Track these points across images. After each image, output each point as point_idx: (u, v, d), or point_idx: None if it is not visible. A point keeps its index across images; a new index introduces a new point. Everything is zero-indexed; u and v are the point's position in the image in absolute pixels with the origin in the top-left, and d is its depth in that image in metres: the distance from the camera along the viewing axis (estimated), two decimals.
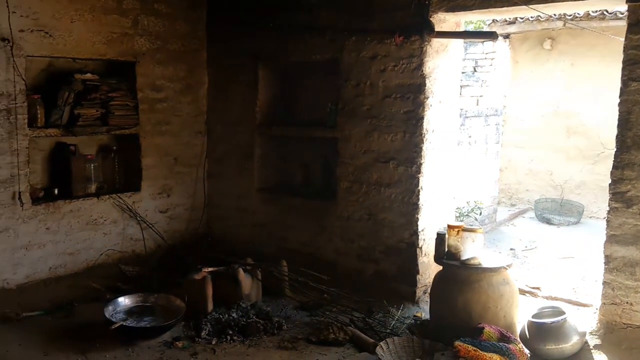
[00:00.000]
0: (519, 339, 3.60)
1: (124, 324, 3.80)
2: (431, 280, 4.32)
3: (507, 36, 8.94)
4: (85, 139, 5.08)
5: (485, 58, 9.03)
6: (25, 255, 4.59)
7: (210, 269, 4.43)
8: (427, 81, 4.31)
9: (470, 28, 9.67)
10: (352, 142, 4.73)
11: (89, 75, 4.93)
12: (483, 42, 8.72)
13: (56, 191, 4.91)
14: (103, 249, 5.10)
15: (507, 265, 3.78)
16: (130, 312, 4.09)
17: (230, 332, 3.90)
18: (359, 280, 4.72)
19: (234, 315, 4.11)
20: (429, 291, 4.46)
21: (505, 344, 3.40)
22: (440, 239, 3.93)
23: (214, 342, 3.82)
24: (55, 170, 5.01)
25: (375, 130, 4.59)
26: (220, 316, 4.09)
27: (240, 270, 4.36)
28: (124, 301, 4.15)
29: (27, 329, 3.96)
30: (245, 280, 4.36)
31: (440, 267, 3.95)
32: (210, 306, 4.16)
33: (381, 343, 3.59)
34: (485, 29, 9.51)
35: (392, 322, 4.12)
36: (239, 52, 5.47)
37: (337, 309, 4.28)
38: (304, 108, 5.49)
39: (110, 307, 3.99)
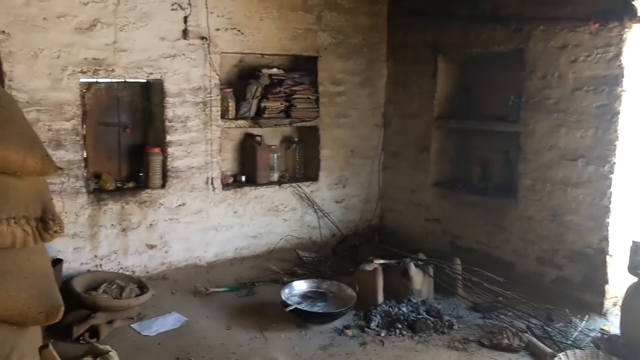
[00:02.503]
0: None
1: (299, 307, 3.97)
2: (622, 292, 3.92)
3: None
4: (270, 130, 5.38)
5: None
6: (215, 236, 5.00)
7: (381, 261, 4.46)
8: (625, 72, 3.89)
9: None
10: (536, 138, 4.44)
11: (275, 70, 5.20)
12: None
13: (243, 178, 5.28)
14: (282, 234, 5.38)
15: None
16: (304, 296, 4.27)
17: (399, 326, 3.89)
18: (538, 285, 4.43)
19: (404, 309, 4.09)
20: (619, 303, 4.08)
21: None
22: (636, 247, 3.54)
23: (382, 334, 3.84)
24: (243, 158, 5.38)
25: (563, 126, 4.25)
26: (390, 309, 4.10)
27: (412, 265, 4.33)
28: (299, 285, 4.34)
29: (214, 303, 4.32)
30: (417, 276, 4.31)
31: (635, 279, 3.56)
32: (380, 298, 4.19)
33: (560, 354, 3.34)
34: None
35: (575, 333, 3.81)
36: (419, 44, 5.40)
37: (512, 313, 4.07)
38: (484, 101, 5.25)
39: (286, 290, 4.20)
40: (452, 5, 5.03)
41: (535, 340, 3.65)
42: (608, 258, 4.04)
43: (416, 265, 4.36)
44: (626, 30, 3.84)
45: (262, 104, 5.09)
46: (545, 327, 3.81)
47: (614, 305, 4.10)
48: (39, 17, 4.02)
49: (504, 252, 4.75)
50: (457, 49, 5.08)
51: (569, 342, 3.69)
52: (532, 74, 4.43)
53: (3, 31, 3.91)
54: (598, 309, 4.09)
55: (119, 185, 4.70)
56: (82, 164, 4.34)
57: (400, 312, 4.06)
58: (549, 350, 3.50)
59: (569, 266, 4.27)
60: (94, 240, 4.43)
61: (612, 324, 3.96)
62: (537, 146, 4.43)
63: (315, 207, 5.50)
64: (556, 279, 4.36)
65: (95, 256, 4.45)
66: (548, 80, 4.33)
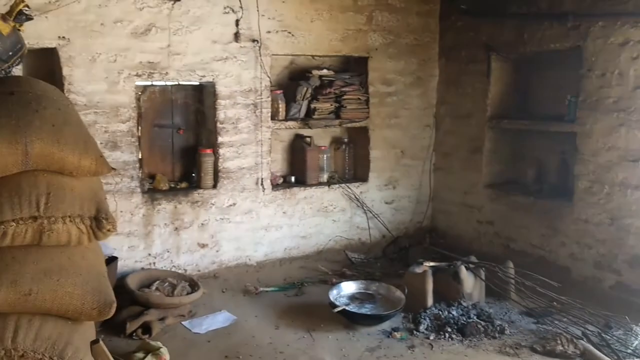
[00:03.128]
0: None
1: (347, 308, 3.96)
2: None
3: None
4: (320, 131, 5.40)
5: None
6: (264, 236, 5.05)
7: (431, 264, 4.40)
8: None
9: None
10: (594, 138, 4.28)
11: (325, 72, 5.21)
12: None
13: (293, 179, 5.31)
14: (332, 235, 5.38)
15: None
16: (352, 297, 4.26)
17: (449, 330, 3.83)
18: (596, 290, 4.27)
19: (454, 313, 4.02)
20: None
21: None
22: None
23: (431, 338, 3.79)
24: (293, 159, 5.42)
25: (623, 125, 4.08)
26: (440, 312, 4.03)
27: (463, 268, 4.25)
28: (348, 287, 4.33)
29: (263, 302, 4.36)
30: (468, 279, 4.23)
31: None
32: (429, 301, 4.13)
33: None
34: None
35: (635, 342, 3.64)
36: (472, 43, 5.30)
37: (568, 319, 3.93)
38: (538, 100, 5.11)
39: (334, 291, 4.20)
40: (505, 3, 4.91)
41: (591, 348, 3.52)
42: None
43: (467, 268, 4.28)
44: None
45: (312, 105, 5.11)
46: (603, 335, 3.67)
47: None
48: (97, 22, 4.16)
49: (559, 256, 4.60)
50: (511, 48, 4.95)
51: (629, 351, 3.54)
52: (590, 72, 4.28)
53: (63, 37, 4.07)
54: None
55: (172, 185, 4.81)
56: (137, 165, 4.46)
57: (450, 315, 3.99)
58: (607, 359, 3.37)
59: (628, 271, 4.10)
60: (148, 239, 4.55)
61: None
62: (595, 147, 4.28)
63: (365, 208, 5.48)
64: (615, 284, 4.19)
65: (149, 254, 4.57)
66: (607, 79, 4.17)
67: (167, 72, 4.45)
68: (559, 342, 3.59)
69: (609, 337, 3.66)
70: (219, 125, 4.72)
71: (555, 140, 4.84)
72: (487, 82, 5.18)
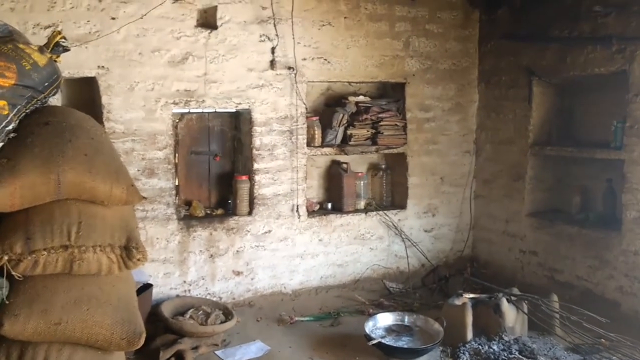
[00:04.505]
0: None
1: (382, 341, 3.85)
2: None
3: None
4: (356, 157, 5.34)
5: None
6: (300, 264, 4.99)
7: (471, 295, 4.26)
8: None
9: None
10: None
11: (361, 98, 5.17)
12: None
13: (329, 206, 5.25)
14: (369, 264, 5.28)
15: None
16: (389, 329, 4.13)
17: None
18: None
19: (494, 347, 3.86)
20: None
21: None
22: None
23: None
24: (329, 186, 5.37)
25: None
26: (480, 347, 3.88)
27: (504, 300, 4.09)
28: (384, 318, 4.21)
29: (297, 332, 4.28)
30: (509, 312, 4.06)
31: None
32: (469, 334, 3.98)
33: None
34: None
35: None
36: (512, 67, 5.18)
37: (617, 357, 3.72)
38: (583, 126, 4.94)
39: (370, 323, 4.08)
40: (547, 27, 4.79)
41: None
42: None
43: (509, 301, 4.11)
44: None
45: (349, 132, 5.07)
46: None
47: None
48: (135, 52, 4.24)
49: (607, 289, 4.38)
50: (553, 72, 4.81)
51: None
52: (637, 97, 4.10)
53: (103, 66, 4.15)
54: None
55: (208, 212, 4.81)
56: (174, 192, 4.48)
57: (491, 350, 3.83)
58: None
59: None
60: (183, 266, 4.54)
61: None
62: None
63: (403, 236, 5.37)
64: None
65: (184, 281, 4.56)
66: None
67: (203, 100, 4.48)
68: None
69: None
70: (254, 151, 4.72)
71: (600, 167, 4.65)
72: (529, 108, 5.03)
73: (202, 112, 4.78)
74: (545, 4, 4.81)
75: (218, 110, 4.68)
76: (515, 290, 4.28)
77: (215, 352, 3.93)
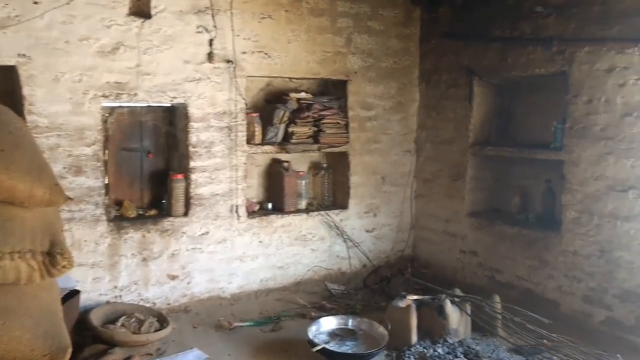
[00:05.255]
0: None
1: (326, 346, 3.70)
2: None
3: None
4: (298, 156, 5.19)
5: None
6: (239, 266, 4.79)
7: (415, 297, 4.19)
8: None
9: None
10: (581, 167, 4.14)
11: (303, 94, 5.03)
12: None
13: (270, 206, 5.08)
14: (310, 265, 5.14)
15: None
16: (332, 334, 3.99)
17: None
18: (585, 325, 4.09)
19: (440, 350, 3.80)
20: None
21: None
22: None
23: None
24: (270, 185, 5.19)
25: (611, 154, 3.95)
26: (425, 350, 3.81)
27: (448, 302, 4.04)
28: (327, 322, 4.08)
29: (237, 338, 4.09)
30: (453, 314, 4.02)
31: None
32: (413, 338, 3.91)
33: None
34: None
35: None
36: (453, 66, 5.17)
37: (558, 357, 3.74)
38: (523, 127, 4.98)
39: (313, 327, 3.94)
40: (488, 26, 4.80)
41: None
42: None
43: (452, 302, 4.08)
44: None
45: (290, 129, 4.91)
46: None
47: None
48: (61, 40, 3.91)
49: (547, 289, 4.42)
50: (494, 72, 4.82)
51: None
52: (577, 98, 4.15)
53: (24, 54, 3.80)
54: None
55: (140, 212, 4.54)
56: (103, 191, 4.18)
57: (436, 353, 3.77)
58: None
59: (619, 307, 3.93)
60: (114, 270, 4.25)
61: None
62: (583, 176, 4.13)
63: (345, 237, 5.26)
64: (605, 320, 4.02)
65: (115, 287, 4.27)
66: (594, 105, 4.04)
67: (136, 93, 4.21)
68: None
69: None
70: (191, 149, 4.48)
71: (540, 168, 4.70)
72: (469, 107, 5.04)
73: (135, 106, 4.50)
74: (487, 3, 4.82)
75: (151, 104, 4.43)
76: (458, 291, 4.26)
77: None
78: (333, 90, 5.27)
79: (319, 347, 3.65)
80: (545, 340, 3.83)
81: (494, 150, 4.90)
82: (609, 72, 3.95)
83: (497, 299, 4.19)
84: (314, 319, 4.17)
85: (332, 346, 3.76)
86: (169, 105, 4.52)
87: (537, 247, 4.50)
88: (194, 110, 4.46)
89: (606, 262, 4.00)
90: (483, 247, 4.98)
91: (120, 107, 4.44)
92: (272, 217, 4.94)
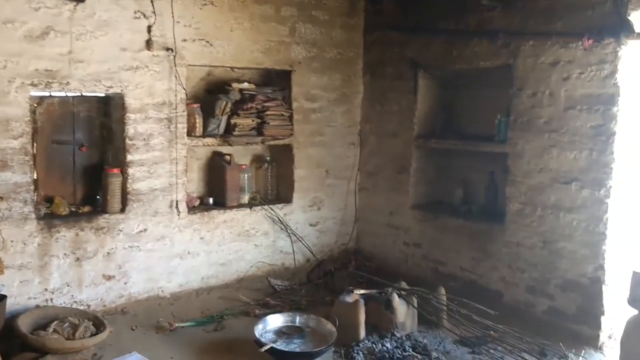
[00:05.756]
0: None
1: (274, 346, 3.59)
2: (618, 324, 3.69)
3: None
4: (240, 148, 5.03)
5: None
6: (179, 264, 4.59)
7: (362, 291, 4.15)
8: (621, 91, 3.68)
9: None
10: (525, 159, 4.19)
11: (246, 85, 4.87)
12: None
13: (211, 201, 4.90)
14: (253, 261, 5.01)
15: None
16: (279, 332, 3.89)
17: None
18: (528, 316, 4.17)
19: (388, 345, 3.77)
20: (614, 336, 3.84)
21: None
22: (637, 278, 3.29)
23: None
24: (211, 179, 5.00)
25: (555, 146, 4.02)
26: (374, 345, 3.77)
27: (395, 296, 4.02)
28: (274, 320, 3.97)
29: (178, 340, 3.92)
30: (400, 307, 4.01)
31: (636, 312, 3.31)
32: (362, 333, 3.86)
33: None
34: None
35: None
36: (398, 59, 5.14)
37: (502, 347, 3.78)
38: (468, 120, 5.02)
39: (260, 326, 3.82)
40: (433, 19, 4.79)
41: None
42: (604, 288, 3.80)
43: (399, 296, 4.05)
44: (622, 46, 3.63)
45: (232, 121, 4.74)
46: None
47: (609, 337, 3.86)
48: None
49: (491, 280, 4.48)
50: (439, 65, 4.82)
51: None
52: (521, 92, 4.20)
53: None
54: (593, 342, 3.84)
55: (73, 209, 4.26)
56: (32, 187, 3.89)
57: (385, 348, 3.74)
58: None
59: (561, 296, 4.02)
60: (44, 272, 3.97)
61: (609, 359, 3.71)
62: (526, 168, 4.19)
63: (289, 231, 5.15)
64: (548, 309, 4.10)
65: (46, 289, 3.99)
66: (538, 98, 4.10)
67: (68, 82, 3.93)
68: None
69: None
70: (128, 141, 4.24)
71: (484, 160, 4.75)
72: (414, 100, 5.03)
73: (66, 96, 4.20)
74: None
75: (85, 94, 4.15)
76: (404, 284, 4.24)
77: None
78: (277, 81, 5.13)
79: (267, 347, 3.53)
80: (491, 332, 3.87)
81: (438, 142, 4.92)
82: (553, 66, 4.00)
83: (442, 291, 4.20)
84: (259, 317, 4.07)
85: (280, 345, 3.66)
86: (104, 95, 4.26)
87: (480, 238, 4.55)
88: (131, 101, 4.22)
89: (549, 252, 4.08)
90: (427, 239, 5.00)
91: (50, 96, 4.13)
92: (214, 212, 4.77)
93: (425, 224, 5.01)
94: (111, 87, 4.12)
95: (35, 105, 4.07)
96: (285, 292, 4.84)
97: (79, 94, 4.16)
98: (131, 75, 4.19)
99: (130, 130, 4.24)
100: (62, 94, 4.09)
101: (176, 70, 4.37)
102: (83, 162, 4.40)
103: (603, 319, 3.82)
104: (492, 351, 3.76)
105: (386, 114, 5.31)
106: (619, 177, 3.74)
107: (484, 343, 3.87)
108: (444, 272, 4.84)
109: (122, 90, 4.17)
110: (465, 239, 4.67)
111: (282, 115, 5.00)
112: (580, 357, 3.66)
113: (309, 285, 5.05)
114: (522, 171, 4.22)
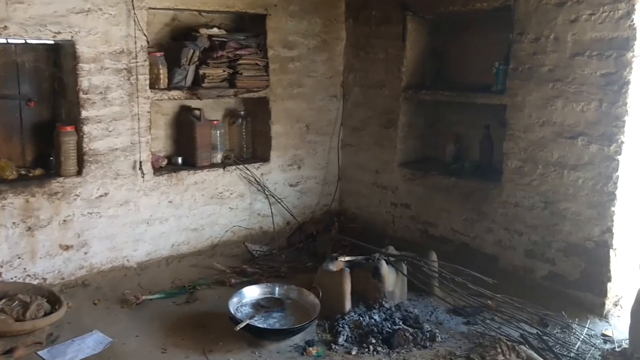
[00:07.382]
0: None
1: (250, 322, 3.24)
2: (625, 291, 3.41)
3: None
4: (211, 102, 4.57)
5: None
6: (146, 231, 4.20)
7: (347, 258, 3.82)
8: (637, 34, 3.29)
9: None
10: (525, 111, 3.81)
11: (215, 30, 4.38)
12: None
13: (180, 160, 4.47)
14: (228, 225, 4.63)
15: None
16: (257, 305, 3.54)
17: (373, 341, 3.24)
18: (527, 281, 3.88)
19: (376, 317, 3.47)
20: (621, 304, 3.57)
21: None
22: None
23: (353, 353, 3.19)
24: (179, 137, 4.56)
25: (560, 97, 3.64)
26: (360, 318, 3.46)
27: (384, 263, 3.68)
28: (251, 292, 3.63)
29: (146, 315, 3.58)
30: (389, 275, 3.68)
31: None
32: (348, 305, 3.53)
33: None
34: None
35: (577, 342, 3.26)
36: (384, 1, 4.67)
37: (499, 317, 3.50)
38: (461, 68, 4.61)
39: (235, 300, 3.47)
40: None
41: (535, 355, 3.07)
42: (611, 252, 3.49)
43: (387, 262, 3.72)
44: None
45: (201, 71, 4.28)
46: (543, 336, 3.24)
47: (615, 305, 3.58)
48: None
49: (485, 243, 4.16)
50: (430, 7, 4.38)
51: (572, 354, 3.15)
52: (522, 36, 3.79)
53: None
54: (598, 311, 3.57)
55: (22, 173, 3.81)
56: None
57: (372, 321, 3.43)
58: None
59: (563, 261, 3.71)
60: None
61: (615, 328, 3.45)
62: (527, 121, 3.81)
63: (267, 193, 4.76)
64: (548, 275, 3.80)
65: None
66: (542, 44, 3.69)
67: (5, 26, 3.40)
68: (499, 350, 3.10)
69: (548, 339, 3.24)
70: (82, 95, 3.77)
71: (478, 113, 4.38)
72: (402, 47, 4.60)
73: (7, 43, 3.69)
74: None
75: (29, 41, 3.65)
76: (392, 249, 3.92)
77: (38, 352, 3.11)
78: (250, 27, 4.64)
79: (242, 324, 3.18)
80: (489, 302, 3.58)
81: (428, 94, 4.51)
82: (560, 7, 3.59)
83: (434, 256, 3.90)
84: (235, 286, 3.76)
85: (258, 321, 3.31)
86: (53, 42, 3.75)
87: (474, 198, 4.21)
88: (83, 49, 3.72)
89: (551, 214, 3.76)
90: (416, 199, 4.65)
91: None
92: (183, 173, 4.34)
93: (414, 183, 4.65)
94: (59, 32, 3.61)
95: None
96: (264, 258, 4.52)
97: (23, 42, 3.65)
98: (82, 20, 3.68)
99: (84, 82, 3.76)
100: (2, 40, 3.58)
101: (135, 14, 3.86)
102: (32, 119, 3.91)
103: (610, 285, 3.52)
104: (488, 321, 3.49)
105: (371, 62, 4.87)
106: (631, 132, 3.38)
107: (478, 312, 3.59)
108: (434, 234, 4.51)
109: (72, 37, 3.66)
110: (457, 198, 4.32)
111: (257, 64, 4.54)
112: (585, 328, 3.37)
113: (289, 250, 4.74)
114: (521, 125, 3.85)
